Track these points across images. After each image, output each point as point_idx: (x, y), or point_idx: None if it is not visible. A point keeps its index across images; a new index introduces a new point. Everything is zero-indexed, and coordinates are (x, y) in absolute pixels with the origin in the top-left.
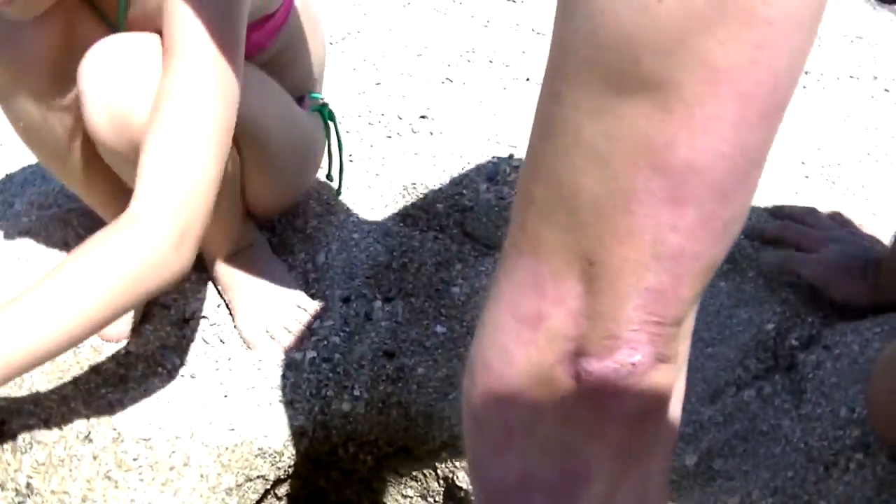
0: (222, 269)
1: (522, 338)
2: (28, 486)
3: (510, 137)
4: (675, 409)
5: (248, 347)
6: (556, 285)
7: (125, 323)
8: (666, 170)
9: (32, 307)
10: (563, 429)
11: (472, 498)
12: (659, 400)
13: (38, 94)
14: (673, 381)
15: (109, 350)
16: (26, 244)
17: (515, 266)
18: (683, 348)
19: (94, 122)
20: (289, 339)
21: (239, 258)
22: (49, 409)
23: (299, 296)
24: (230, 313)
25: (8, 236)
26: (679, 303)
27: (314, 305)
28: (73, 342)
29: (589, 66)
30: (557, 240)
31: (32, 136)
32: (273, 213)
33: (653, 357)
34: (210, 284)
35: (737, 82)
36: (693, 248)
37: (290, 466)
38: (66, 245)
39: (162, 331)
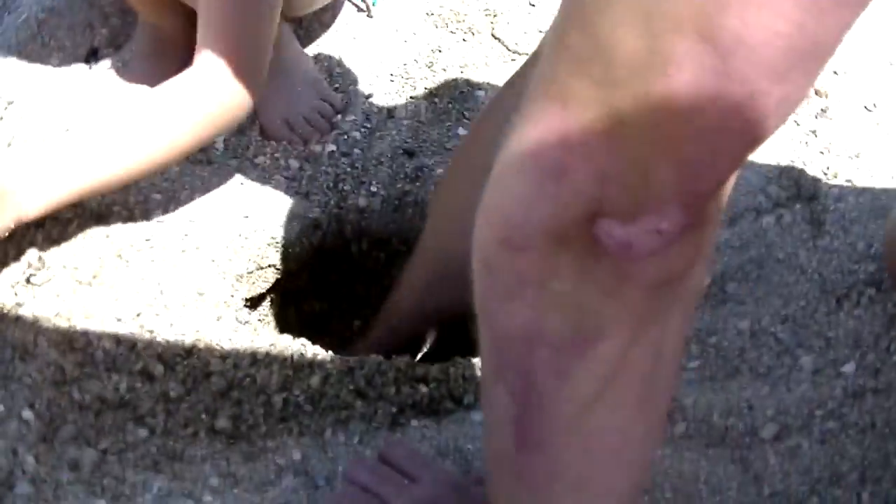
0: None
1: (544, 189)
2: (40, 258)
3: None
4: (700, 271)
5: (267, 136)
6: (585, 140)
7: None
8: (711, 38)
9: (113, 136)
10: (578, 286)
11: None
12: (684, 266)
13: None
14: (701, 246)
15: None
16: (50, 22)
17: (543, 111)
18: (716, 213)
19: None
20: (309, 131)
21: None
22: None
23: (323, 88)
24: None
25: (31, 14)
26: (714, 176)
27: (337, 99)
28: (147, 171)
29: None
30: (590, 93)
31: None
32: (305, 8)
33: (681, 225)
34: None
35: None
36: (734, 124)
37: (301, 258)
38: (91, 26)
39: None
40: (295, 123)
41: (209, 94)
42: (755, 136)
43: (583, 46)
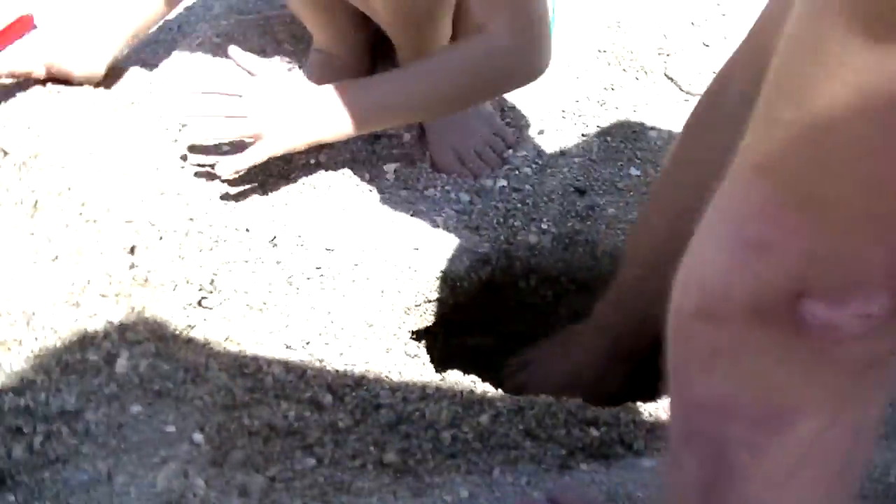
0: None
1: (746, 263)
2: (212, 282)
3: None
4: None
5: (438, 168)
6: (793, 217)
7: None
8: None
9: (405, 78)
10: (776, 365)
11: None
12: (888, 350)
13: None
14: None
15: (300, 160)
16: (223, 47)
17: (749, 183)
18: None
19: None
20: (480, 165)
21: None
22: (237, 210)
23: (496, 123)
24: (422, 132)
25: (206, 38)
26: None
27: (509, 133)
28: (434, 113)
29: None
30: (801, 170)
31: None
32: None
33: (890, 311)
34: None
35: None
36: None
37: (468, 292)
38: (264, 52)
39: (353, 145)
40: (466, 157)
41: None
42: None
43: (796, 121)
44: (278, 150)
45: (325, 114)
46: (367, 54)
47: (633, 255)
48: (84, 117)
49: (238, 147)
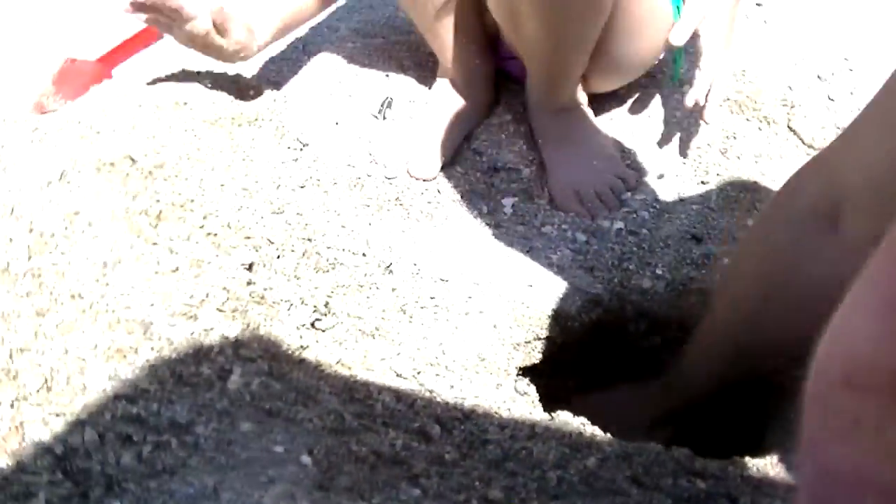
0: (546, 123)
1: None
2: (326, 304)
3: (846, 38)
4: None
5: (556, 206)
6: None
7: (435, 162)
8: None
9: None
10: None
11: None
12: None
13: None
14: None
15: (418, 188)
16: (347, 69)
17: None
18: None
19: None
20: (598, 206)
21: (563, 116)
22: (355, 235)
23: (617, 165)
24: (541, 166)
25: (330, 60)
26: None
27: (631, 176)
28: None
29: None
30: None
31: None
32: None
33: None
34: (524, 139)
35: None
36: None
37: (578, 332)
38: (387, 77)
39: (472, 176)
40: (585, 196)
41: None
42: None
43: None
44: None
45: None
46: (491, 86)
47: (720, 301)
48: (208, 131)
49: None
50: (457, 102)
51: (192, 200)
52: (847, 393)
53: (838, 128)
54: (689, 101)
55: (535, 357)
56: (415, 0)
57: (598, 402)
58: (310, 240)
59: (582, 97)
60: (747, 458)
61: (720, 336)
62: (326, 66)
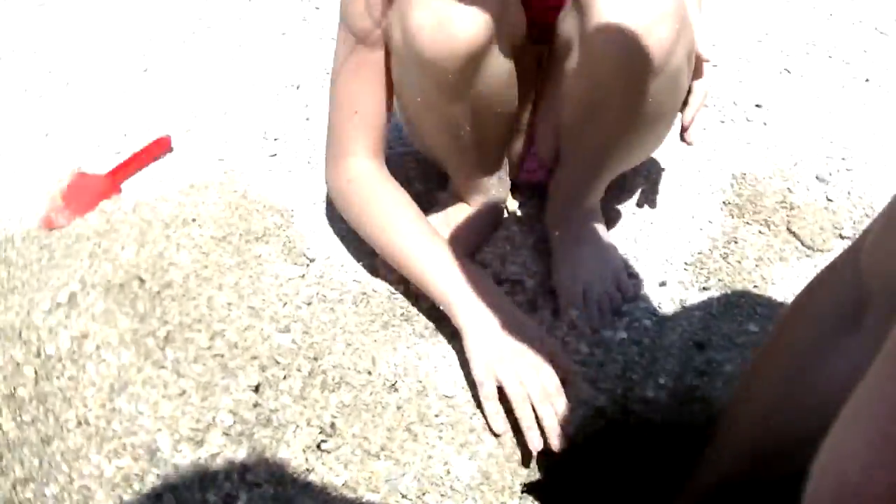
0: (566, 223)
1: (884, 456)
2: (332, 425)
3: (843, 138)
4: None
5: (561, 296)
6: None
7: None
8: None
9: None
10: None
11: None
12: None
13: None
14: None
15: (425, 303)
16: None
17: (893, 379)
18: None
19: (417, 27)
20: (594, 316)
21: (583, 217)
22: (360, 352)
23: (622, 278)
24: (546, 276)
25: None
26: None
27: (630, 288)
28: None
29: None
30: None
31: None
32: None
33: None
34: (530, 251)
35: None
36: None
37: (582, 445)
38: None
39: None
40: (590, 297)
41: None
42: None
43: None
44: None
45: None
46: (502, 205)
47: (735, 411)
48: (216, 248)
49: None
50: (466, 223)
51: (200, 321)
52: None
53: (836, 229)
54: (686, 118)
55: (538, 473)
56: (430, 139)
57: None
58: (316, 359)
59: (595, 213)
60: None
61: (741, 436)
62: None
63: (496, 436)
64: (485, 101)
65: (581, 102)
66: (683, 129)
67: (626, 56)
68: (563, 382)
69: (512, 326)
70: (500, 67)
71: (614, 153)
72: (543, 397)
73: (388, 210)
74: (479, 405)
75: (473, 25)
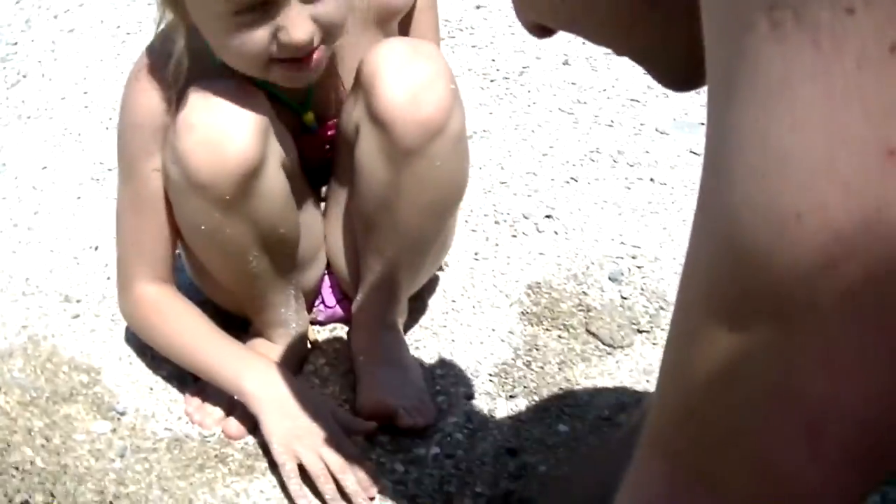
0: (370, 342)
1: None
2: None
3: (634, 237)
4: None
5: (363, 414)
6: (686, 496)
7: (248, 422)
8: (802, 401)
9: None
10: None
11: None
12: None
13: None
14: None
15: (238, 443)
16: None
17: (649, 468)
18: None
19: (188, 151)
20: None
21: (387, 337)
22: (178, 497)
23: (423, 394)
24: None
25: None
26: None
27: (430, 412)
28: None
29: (724, 280)
30: (691, 449)
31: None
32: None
33: None
34: (338, 383)
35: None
36: (835, 484)
37: None
38: None
39: None
40: (394, 412)
41: None
42: (855, 496)
43: (679, 405)
44: None
45: None
46: (305, 339)
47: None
48: (22, 414)
49: None
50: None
51: (11, 487)
52: None
53: (634, 325)
54: None
55: None
56: (218, 273)
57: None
58: None
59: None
60: None
61: None
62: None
63: None
64: (267, 223)
65: (370, 197)
66: None
67: (403, 125)
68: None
69: (304, 403)
70: (277, 185)
71: (408, 255)
72: (343, 468)
73: (180, 317)
74: None
75: (244, 144)
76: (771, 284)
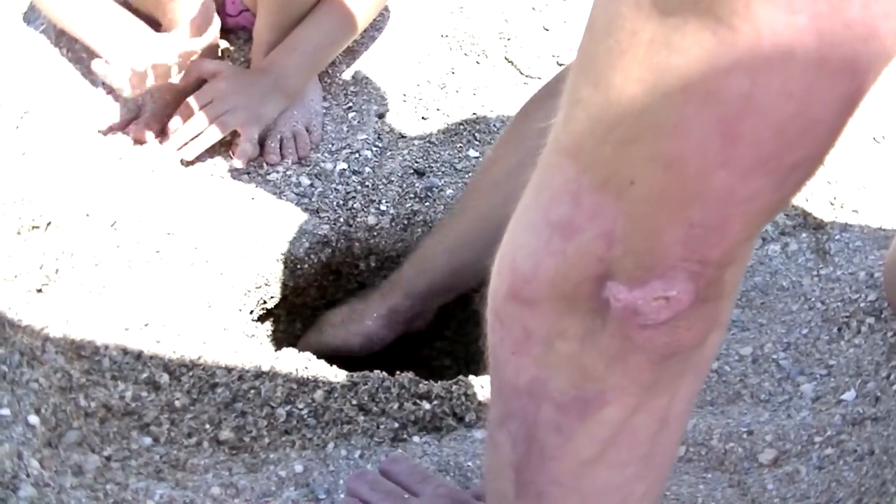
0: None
1: (552, 246)
2: (57, 271)
3: None
4: (715, 342)
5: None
6: (594, 199)
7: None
8: (720, 100)
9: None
10: (584, 349)
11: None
12: (694, 339)
13: None
14: (712, 322)
15: (143, 147)
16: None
17: (556, 166)
18: (731, 289)
19: None
20: (273, 157)
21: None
22: (79, 195)
23: (314, 120)
24: None
25: (49, 26)
26: (726, 244)
27: (318, 134)
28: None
29: None
30: (600, 149)
31: None
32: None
33: (691, 295)
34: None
35: (818, 17)
36: (745, 189)
37: (309, 274)
38: None
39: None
40: (268, 142)
41: None
42: (765, 205)
43: (594, 100)
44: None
45: (286, 82)
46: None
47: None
48: None
49: None
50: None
51: None
52: (515, 307)
53: (553, 56)
54: None
55: (269, 302)
56: None
57: (320, 325)
58: (32, 203)
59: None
60: (471, 377)
61: (442, 245)
62: (46, 32)
63: None
64: None
65: None
66: None
67: None
68: None
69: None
70: None
71: None
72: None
73: None
74: None
75: None
76: None
